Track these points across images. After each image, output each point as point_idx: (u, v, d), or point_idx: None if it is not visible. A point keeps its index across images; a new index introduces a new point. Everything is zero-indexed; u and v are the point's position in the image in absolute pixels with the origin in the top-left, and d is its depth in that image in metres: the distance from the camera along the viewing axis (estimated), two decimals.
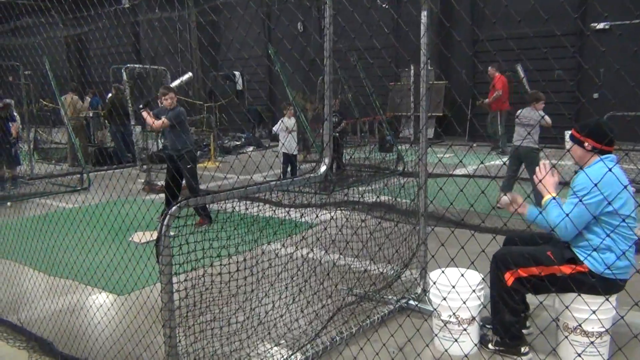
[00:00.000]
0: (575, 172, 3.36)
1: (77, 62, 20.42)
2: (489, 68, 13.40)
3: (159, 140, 13.68)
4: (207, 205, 6.49)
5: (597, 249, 3.08)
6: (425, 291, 4.10)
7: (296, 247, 3.92)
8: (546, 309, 3.79)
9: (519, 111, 7.27)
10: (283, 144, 9.31)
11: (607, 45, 13.57)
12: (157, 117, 7.03)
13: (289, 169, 9.60)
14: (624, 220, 3.05)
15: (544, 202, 3.23)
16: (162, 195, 8.81)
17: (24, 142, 11.60)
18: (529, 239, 3.54)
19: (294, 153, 9.66)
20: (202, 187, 9.21)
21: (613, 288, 3.15)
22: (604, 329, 3.16)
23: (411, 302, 4.16)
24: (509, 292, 3.27)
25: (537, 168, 3.34)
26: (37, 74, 11.32)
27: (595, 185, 2.89)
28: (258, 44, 18.67)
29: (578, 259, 3.16)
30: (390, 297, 4.27)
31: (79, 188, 9.83)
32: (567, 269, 3.15)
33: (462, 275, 2.87)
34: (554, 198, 3.17)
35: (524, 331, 3.53)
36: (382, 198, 7.27)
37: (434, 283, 3.39)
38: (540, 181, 3.25)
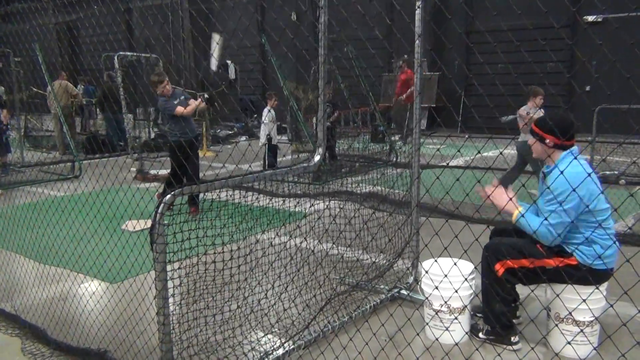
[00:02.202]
0: (544, 169, 3.39)
1: (68, 49, 20.23)
2: (400, 62, 13.36)
3: (152, 129, 13.63)
4: (201, 195, 6.46)
5: (583, 243, 3.13)
6: (417, 281, 4.13)
7: (290, 237, 3.94)
8: (537, 299, 3.83)
9: (518, 110, 7.33)
10: (268, 134, 9.29)
11: (600, 38, 13.60)
12: (167, 105, 6.67)
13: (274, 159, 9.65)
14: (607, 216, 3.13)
15: (514, 220, 3.27)
16: (155, 184, 8.79)
17: (14, 130, 11.51)
18: (518, 230, 3.56)
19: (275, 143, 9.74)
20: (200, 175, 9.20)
21: (602, 277, 3.19)
22: (594, 318, 3.21)
23: (403, 291, 4.19)
24: (499, 282, 3.31)
25: (486, 189, 3.38)
26: (27, 61, 11.22)
27: (574, 189, 2.88)
28: (251, 33, 18.59)
29: (566, 252, 3.20)
30: (382, 286, 4.30)
31: (71, 176, 9.79)
32: (556, 262, 3.19)
33: (455, 264, 2.90)
34: (522, 214, 3.21)
35: (515, 320, 3.57)
36: (375, 188, 7.30)
37: (427, 272, 3.42)
38: (500, 208, 3.32)
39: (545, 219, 3.09)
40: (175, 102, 6.72)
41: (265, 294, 3.79)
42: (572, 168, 3.08)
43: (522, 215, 3.19)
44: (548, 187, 3.13)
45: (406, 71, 13.03)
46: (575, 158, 3.21)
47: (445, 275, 3.00)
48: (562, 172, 2.90)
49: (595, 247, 3.13)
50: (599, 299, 3.20)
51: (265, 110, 9.51)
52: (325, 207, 4.32)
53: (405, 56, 13.16)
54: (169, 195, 2.49)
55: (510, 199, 3.24)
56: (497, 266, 3.31)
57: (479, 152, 2.77)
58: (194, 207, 6.80)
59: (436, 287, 3.21)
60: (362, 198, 6.99)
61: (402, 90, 13.26)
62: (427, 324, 3.59)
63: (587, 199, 3.06)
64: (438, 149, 3.12)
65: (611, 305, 2.50)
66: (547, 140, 3.27)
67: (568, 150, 3.26)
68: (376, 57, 13.72)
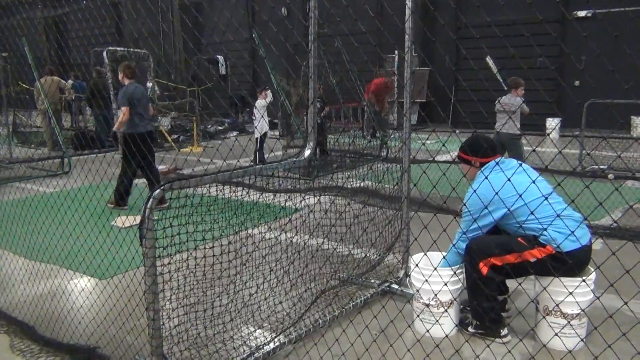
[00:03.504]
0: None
1: (54, 44, 20.06)
2: (380, 68, 13.44)
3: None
4: (190, 190, 6.47)
5: (542, 231, 3.20)
6: (407, 274, 4.15)
7: (281, 231, 3.94)
8: (526, 292, 3.86)
9: (499, 98, 7.33)
10: (256, 127, 9.38)
11: (589, 33, 13.70)
12: (134, 96, 6.68)
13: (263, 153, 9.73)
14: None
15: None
16: (144, 180, 8.76)
17: (2, 126, 11.41)
18: (497, 228, 3.58)
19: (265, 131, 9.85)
20: (188, 171, 9.18)
21: (584, 257, 3.25)
22: (581, 311, 3.24)
23: (393, 285, 4.21)
24: (485, 281, 3.32)
25: None
26: (15, 56, 11.11)
27: (486, 207, 3.19)
28: (242, 27, 18.49)
29: (540, 240, 3.24)
30: (373, 280, 4.32)
31: (60, 172, 9.72)
32: (537, 253, 3.21)
33: (444, 257, 2.91)
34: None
35: (504, 313, 3.59)
36: (366, 183, 7.32)
37: (416, 265, 3.44)
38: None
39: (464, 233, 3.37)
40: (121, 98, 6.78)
41: (257, 289, 3.80)
42: (485, 184, 3.20)
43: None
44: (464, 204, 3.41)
45: (381, 79, 13.04)
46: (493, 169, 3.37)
47: (435, 269, 3.02)
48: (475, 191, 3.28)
49: (555, 228, 3.18)
50: (586, 292, 3.23)
51: (259, 102, 9.63)
52: (316, 201, 4.32)
53: (381, 66, 13.25)
54: (157, 190, 2.48)
55: None
56: (481, 265, 3.33)
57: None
58: (115, 199, 6.81)
59: (426, 280, 3.22)
60: (352, 193, 7.01)
61: (372, 94, 13.06)
62: (417, 317, 3.61)
63: (510, 202, 3.19)
64: (423, 143, 3.13)
65: (597, 298, 2.53)
66: (473, 162, 3.55)
67: (482, 169, 3.48)
68: (369, 52, 13.74)
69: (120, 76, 6.94)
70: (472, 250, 3.38)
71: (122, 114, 6.64)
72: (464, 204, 3.39)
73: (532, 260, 3.21)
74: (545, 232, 3.19)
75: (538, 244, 3.23)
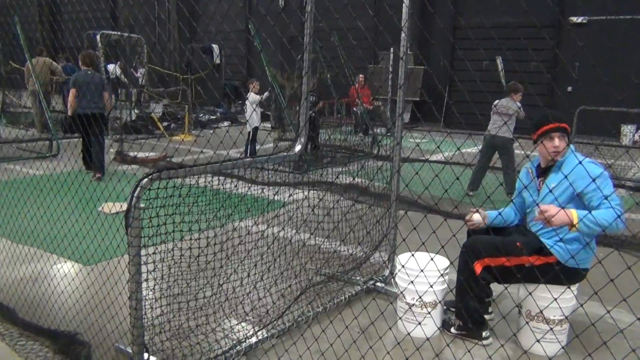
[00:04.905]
0: (554, 166, 3.28)
1: (50, 25, 19.82)
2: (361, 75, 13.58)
3: (134, 111, 13.45)
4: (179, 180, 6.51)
5: (563, 239, 3.15)
6: (392, 274, 4.15)
7: (267, 225, 3.93)
8: (510, 296, 3.88)
9: (497, 101, 7.33)
10: (247, 121, 9.36)
11: (584, 40, 13.76)
12: (78, 81, 7.82)
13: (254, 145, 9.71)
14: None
15: (577, 226, 2.98)
16: (134, 167, 8.70)
17: None
18: (494, 227, 3.59)
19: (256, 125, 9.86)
20: (178, 160, 9.13)
21: (576, 277, 3.24)
22: (564, 317, 3.26)
23: (378, 284, 4.21)
24: (476, 280, 3.31)
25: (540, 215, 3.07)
26: (7, 35, 10.96)
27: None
28: (238, 18, 18.40)
29: (546, 249, 3.22)
30: (358, 278, 4.32)
31: (48, 155, 9.62)
32: (535, 260, 3.19)
33: (432, 259, 2.91)
34: (584, 216, 2.98)
35: (487, 316, 3.60)
36: (356, 180, 7.31)
37: (403, 266, 3.43)
38: (559, 223, 3.01)
39: (612, 207, 2.96)
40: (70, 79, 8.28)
41: (241, 282, 3.78)
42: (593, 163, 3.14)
43: (586, 216, 2.96)
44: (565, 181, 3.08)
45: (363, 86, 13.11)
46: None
47: (422, 271, 3.02)
48: (579, 163, 2.95)
49: (577, 246, 3.15)
50: (569, 298, 3.25)
51: (252, 95, 9.55)
52: (305, 197, 4.31)
53: (361, 76, 13.31)
54: (145, 179, 2.46)
55: (562, 208, 2.98)
56: (476, 264, 3.31)
57: (458, 149, 2.78)
58: (99, 172, 7.61)
59: (411, 282, 3.22)
60: (342, 189, 7.00)
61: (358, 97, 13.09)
62: (400, 317, 3.61)
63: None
64: (418, 144, 3.13)
65: (581, 305, 2.54)
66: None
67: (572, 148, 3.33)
68: (365, 48, 13.74)
69: (80, 63, 8.18)
70: (469, 249, 3.36)
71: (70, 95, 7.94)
72: (603, 176, 3.06)
73: (527, 265, 3.19)
74: (559, 246, 3.17)
75: (540, 252, 3.21)
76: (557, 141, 3.23)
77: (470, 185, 7.30)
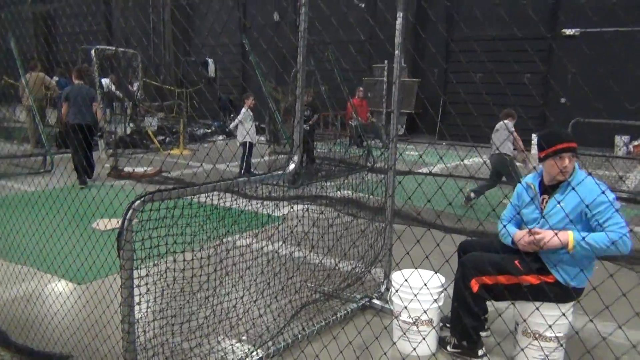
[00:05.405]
0: (563, 184, 3.21)
1: (45, 39, 19.83)
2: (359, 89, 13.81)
3: (129, 124, 13.44)
4: None
5: (566, 261, 3.11)
6: (388, 290, 4.13)
7: (257, 241, 3.91)
8: (505, 313, 3.86)
9: (496, 127, 7.48)
10: (247, 133, 9.27)
11: (576, 51, 13.88)
12: (70, 94, 8.39)
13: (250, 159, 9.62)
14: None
15: (572, 248, 3.01)
16: (130, 182, 8.66)
17: None
18: (488, 245, 3.57)
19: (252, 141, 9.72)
20: (176, 174, 9.10)
21: (574, 296, 3.22)
22: (561, 334, 3.24)
23: (375, 301, 4.19)
24: (473, 298, 3.29)
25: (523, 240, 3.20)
26: (1, 50, 10.95)
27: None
28: (233, 32, 18.46)
29: (545, 269, 3.19)
30: (354, 295, 4.29)
31: (42, 170, 9.59)
32: (533, 279, 3.17)
33: (425, 285, 2.89)
34: (582, 238, 2.99)
35: (482, 334, 3.58)
36: (352, 194, 7.30)
37: (399, 287, 3.41)
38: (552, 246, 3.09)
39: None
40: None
41: (236, 302, 3.75)
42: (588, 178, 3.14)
43: (583, 239, 2.96)
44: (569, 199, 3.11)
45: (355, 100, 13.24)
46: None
47: (415, 296, 3.00)
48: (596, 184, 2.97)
49: (576, 266, 3.12)
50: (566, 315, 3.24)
51: (243, 110, 9.48)
52: (303, 211, 4.29)
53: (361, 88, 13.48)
54: (137, 202, 2.44)
55: (560, 230, 3.04)
56: (473, 282, 3.30)
57: (461, 160, 2.77)
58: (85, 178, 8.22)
59: (405, 308, 3.19)
60: (337, 203, 6.98)
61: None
62: (394, 339, 3.58)
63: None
64: (420, 156, 3.12)
65: (576, 332, 2.52)
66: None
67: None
68: (359, 62, 13.81)
69: (72, 77, 8.71)
70: (466, 266, 3.34)
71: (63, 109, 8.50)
72: (605, 198, 3.02)
73: (524, 284, 3.17)
74: (560, 266, 3.15)
75: (539, 272, 3.18)
76: (567, 161, 3.17)
77: (474, 191, 7.31)
